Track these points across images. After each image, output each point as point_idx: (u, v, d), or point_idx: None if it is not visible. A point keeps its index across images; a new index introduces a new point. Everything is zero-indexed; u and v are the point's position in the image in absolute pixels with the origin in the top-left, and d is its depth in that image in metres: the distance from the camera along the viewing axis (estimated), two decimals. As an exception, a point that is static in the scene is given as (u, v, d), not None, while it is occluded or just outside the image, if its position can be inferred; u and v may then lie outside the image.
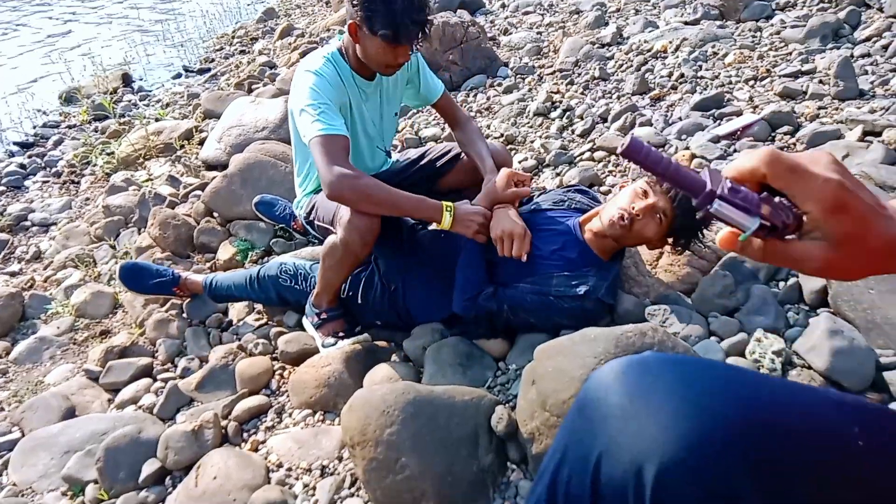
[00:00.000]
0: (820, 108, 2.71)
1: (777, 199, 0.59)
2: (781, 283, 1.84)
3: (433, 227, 2.03)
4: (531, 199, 2.19)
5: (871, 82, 2.82)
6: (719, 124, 2.78)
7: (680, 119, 2.93)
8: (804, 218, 0.58)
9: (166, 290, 2.41)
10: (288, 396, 1.98)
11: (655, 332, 1.39)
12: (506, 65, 4.07)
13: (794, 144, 2.54)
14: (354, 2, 1.86)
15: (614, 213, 1.75)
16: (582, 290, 1.75)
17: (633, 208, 1.74)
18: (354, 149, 2.14)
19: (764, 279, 1.83)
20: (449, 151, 2.33)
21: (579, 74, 3.70)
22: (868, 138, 2.39)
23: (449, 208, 1.83)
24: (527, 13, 4.94)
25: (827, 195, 0.55)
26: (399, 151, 3.27)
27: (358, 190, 1.77)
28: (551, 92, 3.51)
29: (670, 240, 1.85)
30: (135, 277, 2.38)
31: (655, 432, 0.60)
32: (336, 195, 1.79)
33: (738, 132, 2.66)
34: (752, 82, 3.09)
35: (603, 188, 2.63)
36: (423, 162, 2.35)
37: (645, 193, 1.77)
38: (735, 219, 0.58)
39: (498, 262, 1.89)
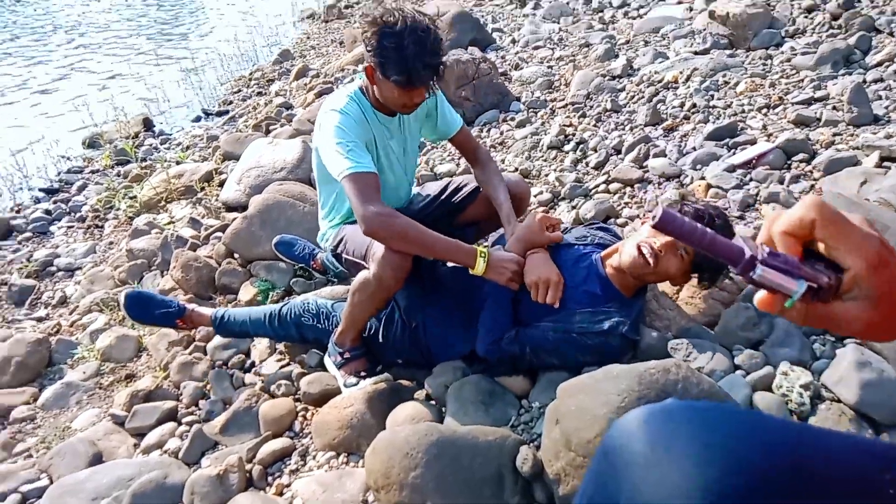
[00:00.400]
0: (835, 134, 2.71)
1: (813, 262, 0.58)
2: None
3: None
4: None
5: (886, 107, 2.83)
6: (734, 153, 2.79)
7: (694, 149, 2.94)
8: (843, 277, 0.57)
9: (170, 322, 2.40)
10: (311, 438, 1.98)
11: (679, 368, 1.38)
12: (518, 99, 4.12)
13: (811, 172, 2.54)
14: (368, 48, 1.91)
15: (636, 249, 1.75)
16: (606, 325, 1.75)
17: (655, 244, 1.74)
18: (382, 184, 2.16)
19: (786, 310, 1.82)
20: (467, 185, 2.35)
21: (591, 107, 3.73)
22: (885, 164, 2.39)
23: (483, 254, 1.84)
24: (537, 48, 5.01)
25: (870, 250, 0.55)
26: (417, 186, 3.31)
27: (394, 229, 1.80)
28: (564, 125, 3.55)
29: (695, 276, 1.85)
30: (139, 307, 2.37)
31: (678, 479, 0.60)
32: (372, 232, 1.82)
33: (754, 161, 2.67)
34: (765, 110, 3.11)
35: (619, 220, 2.64)
36: (443, 197, 2.38)
37: (671, 245, 1.76)
38: (780, 283, 0.57)
39: (521, 300, 1.90)
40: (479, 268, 1.84)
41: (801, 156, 2.62)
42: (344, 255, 2.17)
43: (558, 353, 1.79)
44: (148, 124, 5.88)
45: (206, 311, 2.43)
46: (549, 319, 1.81)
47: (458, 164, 3.46)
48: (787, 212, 0.60)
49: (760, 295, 0.60)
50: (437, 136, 2.33)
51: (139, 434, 2.23)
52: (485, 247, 1.89)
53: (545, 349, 1.79)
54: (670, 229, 0.58)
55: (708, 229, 0.59)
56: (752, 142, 2.83)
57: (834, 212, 0.57)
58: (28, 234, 4.11)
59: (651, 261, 1.72)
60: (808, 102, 3.05)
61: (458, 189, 2.36)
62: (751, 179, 2.59)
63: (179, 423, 2.22)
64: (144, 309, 2.38)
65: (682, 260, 1.74)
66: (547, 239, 1.93)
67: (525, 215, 2.36)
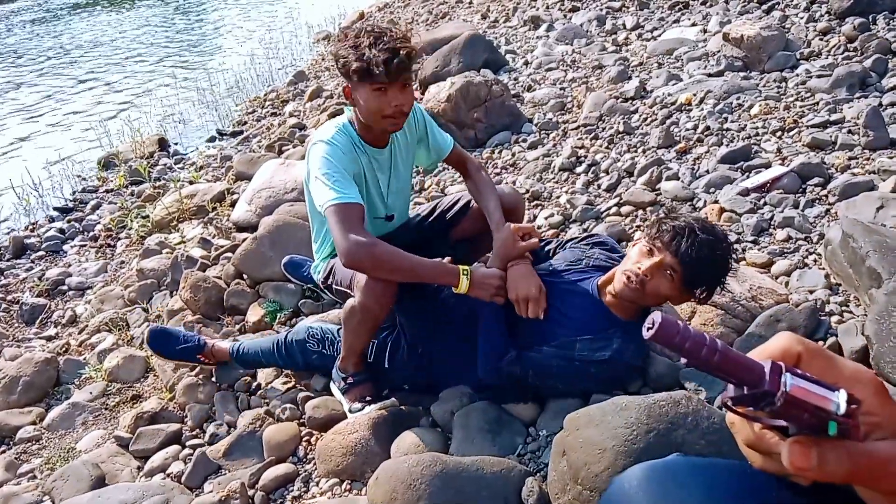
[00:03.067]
0: (851, 158, 2.67)
1: None
2: (821, 343, 1.78)
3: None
4: (547, 254, 2.17)
5: (903, 131, 2.78)
6: (748, 177, 2.75)
7: (707, 172, 2.91)
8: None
9: (191, 357, 2.41)
10: (315, 464, 1.95)
11: (689, 400, 1.34)
12: (530, 121, 4.11)
13: (827, 196, 2.50)
14: (338, 66, 1.93)
15: (622, 277, 1.72)
16: (607, 354, 1.71)
17: (640, 268, 1.69)
18: (369, 215, 2.15)
19: (801, 339, 1.77)
20: (458, 201, 2.33)
21: (603, 129, 3.71)
22: (903, 189, 2.34)
23: (465, 272, 1.83)
24: (549, 70, 5.01)
25: (870, 376, 0.49)
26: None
27: (374, 258, 1.78)
28: (576, 147, 3.53)
29: (697, 291, 1.78)
30: (162, 342, 2.39)
31: None
32: (353, 263, 1.80)
33: (768, 185, 2.63)
34: (779, 133, 3.07)
35: (631, 243, 2.60)
36: (434, 215, 2.36)
37: (650, 252, 1.71)
38: (818, 394, 0.45)
39: (520, 325, 1.87)
40: (463, 286, 1.82)
41: (816, 180, 2.58)
42: (334, 286, 2.17)
43: (562, 379, 1.76)
44: (163, 144, 5.94)
45: (225, 344, 2.43)
46: (551, 346, 1.78)
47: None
48: (765, 344, 0.52)
49: (788, 449, 0.47)
50: (433, 160, 2.32)
51: (143, 456, 2.21)
52: (467, 266, 1.87)
53: (549, 374, 1.76)
54: (671, 342, 0.48)
55: (718, 341, 0.48)
56: (767, 165, 2.79)
57: (817, 345, 0.50)
58: (41, 253, 4.15)
59: (637, 287, 1.68)
60: (823, 126, 3.01)
61: (450, 205, 2.34)
62: (765, 204, 2.55)
63: (183, 447, 2.20)
64: (166, 345, 2.39)
65: (671, 280, 1.68)
66: (522, 248, 1.91)
67: None
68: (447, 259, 2.12)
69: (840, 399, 0.45)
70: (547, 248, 2.21)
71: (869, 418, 0.47)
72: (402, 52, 1.83)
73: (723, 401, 0.50)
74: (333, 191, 1.85)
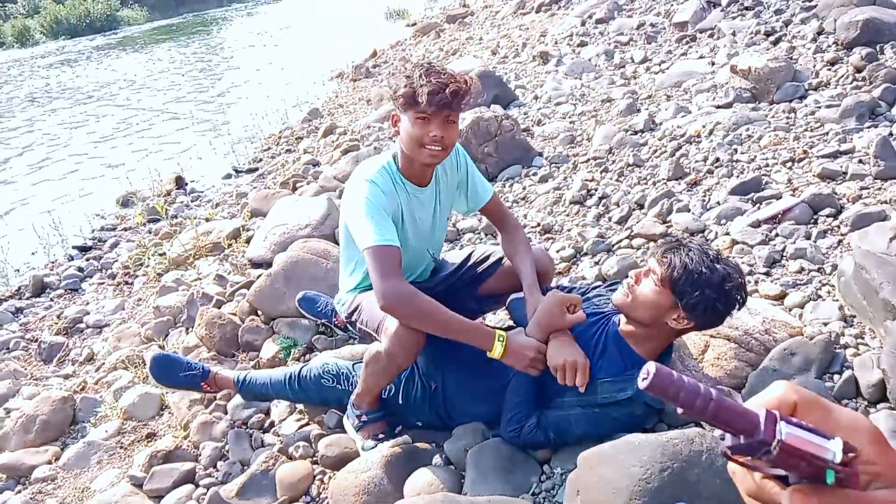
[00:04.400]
0: (862, 188, 2.66)
1: None
2: (836, 376, 1.76)
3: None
4: None
5: (914, 160, 2.77)
6: (759, 208, 2.75)
7: (718, 204, 2.91)
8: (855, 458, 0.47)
9: (195, 385, 2.40)
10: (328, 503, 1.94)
11: (703, 438, 1.33)
12: (540, 154, 4.15)
13: (839, 227, 2.49)
14: (390, 92, 1.98)
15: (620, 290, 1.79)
16: (629, 392, 1.71)
17: (631, 281, 1.75)
18: (404, 253, 2.15)
19: (816, 373, 1.76)
20: (490, 256, 2.33)
21: (613, 162, 3.74)
22: (916, 219, 2.33)
23: (501, 338, 1.80)
24: (559, 104, 5.07)
25: (868, 425, 0.49)
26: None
27: (412, 308, 1.79)
28: (586, 180, 3.55)
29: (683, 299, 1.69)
30: (164, 370, 2.38)
31: None
32: (390, 309, 1.81)
33: (779, 216, 2.63)
34: (789, 164, 3.07)
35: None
36: (465, 268, 2.35)
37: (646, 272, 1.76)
38: (814, 443, 0.45)
39: (545, 376, 1.85)
40: (497, 352, 1.80)
41: (827, 210, 2.58)
42: (358, 324, 2.17)
43: (583, 432, 1.76)
44: (180, 182, 6.05)
45: (230, 373, 2.43)
46: (572, 394, 1.77)
47: (479, 220, 3.47)
48: (761, 393, 0.52)
49: (792, 500, 0.47)
50: (470, 207, 2.30)
51: (157, 496, 2.21)
52: (503, 330, 1.85)
53: (569, 431, 1.77)
54: (666, 392, 0.48)
55: (713, 390, 0.48)
56: (777, 196, 2.79)
57: (813, 394, 0.50)
58: (60, 291, 4.21)
59: (628, 293, 1.72)
60: (833, 156, 3.01)
61: (481, 259, 2.33)
62: (776, 235, 2.54)
63: (197, 486, 2.20)
64: (169, 372, 2.39)
65: (656, 285, 1.69)
66: (568, 322, 1.86)
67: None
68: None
69: (836, 447, 0.45)
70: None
71: (868, 467, 0.47)
72: (450, 85, 1.86)
73: (721, 451, 0.50)
74: (373, 232, 1.85)
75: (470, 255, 2.36)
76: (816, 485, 0.46)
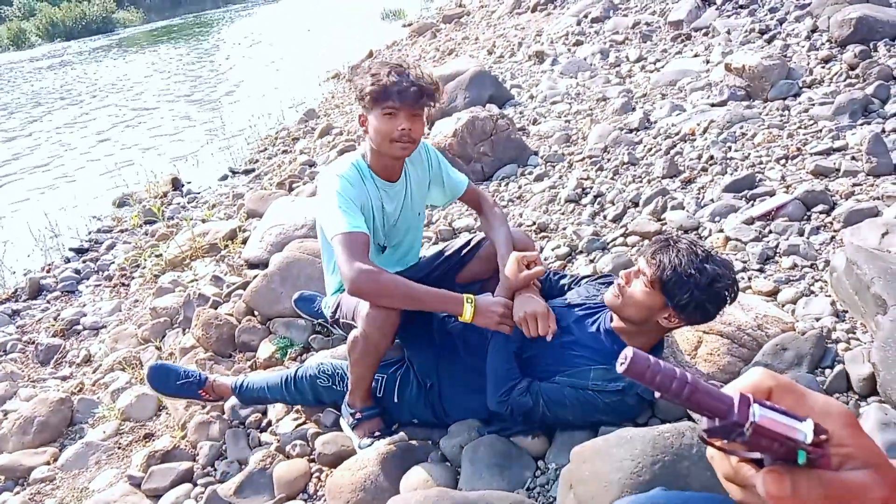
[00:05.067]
0: (854, 185, 2.68)
1: None
2: (828, 371, 1.78)
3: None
4: (562, 289, 2.19)
5: (906, 156, 2.79)
6: (752, 205, 2.77)
7: (712, 201, 2.93)
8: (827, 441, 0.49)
9: (192, 393, 2.39)
10: (325, 501, 1.95)
11: (694, 431, 1.34)
12: (536, 153, 4.16)
13: (831, 223, 2.51)
14: (355, 93, 2.01)
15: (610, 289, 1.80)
16: (621, 384, 1.72)
17: (622, 281, 1.76)
18: (376, 248, 2.18)
19: (808, 368, 1.77)
20: (471, 240, 2.37)
21: (608, 160, 3.75)
22: (907, 215, 2.34)
23: (470, 300, 1.84)
24: (555, 103, 5.08)
25: (840, 409, 0.50)
26: (433, 243, 3.34)
27: (378, 285, 1.81)
28: (581, 178, 3.56)
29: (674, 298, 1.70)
30: (161, 379, 2.37)
31: None
32: (356, 290, 1.83)
33: (773, 213, 2.64)
34: (783, 161, 3.09)
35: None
36: (447, 254, 2.39)
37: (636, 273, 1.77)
38: (785, 424, 0.47)
39: (532, 356, 1.88)
40: (467, 314, 1.82)
41: (820, 207, 2.59)
42: (341, 320, 2.19)
43: (574, 410, 1.76)
44: (176, 184, 6.06)
45: (227, 380, 2.43)
46: (563, 375, 1.78)
47: (475, 220, 3.48)
48: (737, 380, 0.54)
49: (763, 480, 0.49)
50: (448, 199, 2.37)
51: (155, 496, 2.22)
52: (472, 293, 1.88)
53: (561, 403, 1.76)
54: (643, 376, 0.49)
55: (689, 374, 0.49)
56: (771, 193, 2.81)
57: (788, 380, 0.52)
58: (57, 293, 4.22)
59: (618, 294, 1.74)
60: (826, 153, 3.02)
61: (463, 245, 2.37)
62: (770, 232, 2.56)
63: (195, 485, 2.21)
64: (166, 381, 2.38)
65: (646, 285, 1.70)
66: (528, 276, 1.92)
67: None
68: None
69: (807, 429, 0.47)
70: (561, 283, 2.23)
71: (840, 450, 0.49)
72: (417, 81, 1.92)
73: (698, 434, 0.52)
74: (341, 220, 1.89)
75: (449, 245, 2.40)
76: (789, 466, 0.48)
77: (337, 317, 2.22)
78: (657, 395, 0.50)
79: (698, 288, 1.63)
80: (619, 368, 0.50)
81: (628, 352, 0.50)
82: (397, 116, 1.93)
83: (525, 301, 1.87)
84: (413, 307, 1.89)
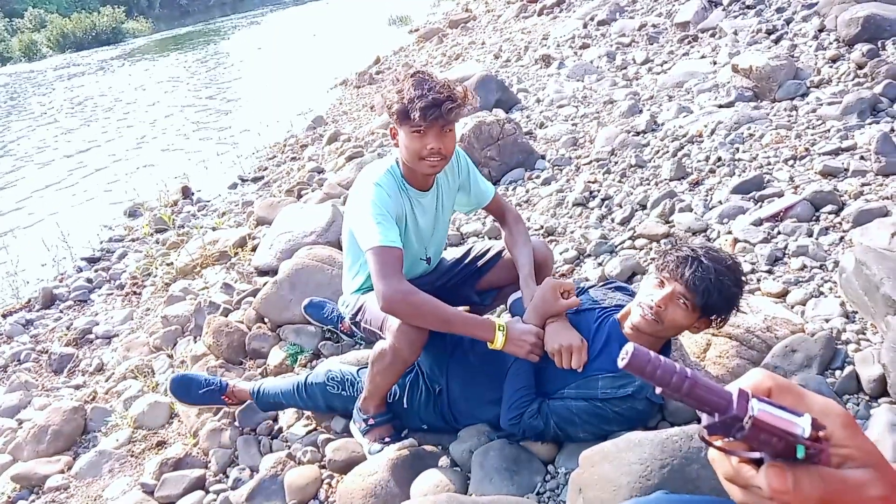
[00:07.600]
0: (863, 185, 2.67)
1: None
2: (838, 372, 1.77)
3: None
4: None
5: (916, 155, 2.77)
6: (760, 206, 2.76)
7: (720, 203, 2.92)
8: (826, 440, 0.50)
9: (216, 399, 2.45)
10: (336, 507, 1.96)
11: (703, 434, 1.34)
12: (543, 157, 4.17)
13: (840, 223, 2.50)
14: (385, 106, 2.00)
15: (638, 311, 1.74)
16: (630, 389, 1.72)
17: (653, 300, 1.70)
18: (407, 255, 2.17)
19: (818, 369, 1.76)
20: (490, 250, 2.37)
21: (616, 163, 3.75)
22: (917, 214, 2.33)
23: (501, 328, 1.83)
24: (561, 106, 5.08)
25: (839, 410, 0.51)
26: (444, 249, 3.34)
27: (411, 307, 1.82)
28: (589, 182, 3.57)
29: (714, 317, 1.75)
30: (184, 389, 2.43)
31: None
32: (389, 309, 1.84)
33: (781, 214, 2.63)
34: (791, 162, 3.08)
35: (645, 277, 2.61)
36: (465, 261, 2.39)
37: (661, 283, 1.72)
38: (784, 418, 0.48)
39: (542, 368, 1.87)
40: (499, 342, 1.82)
41: (829, 207, 2.58)
42: (362, 324, 2.19)
43: (584, 426, 1.76)
44: (186, 192, 6.10)
45: (245, 385, 2.47)
46: (572, 387, 1.78)
47: (483, 224, 3.49)
48: (737, 380, 0.54)
49: (763, 477, 0.49)
50: (473, 206, 2.36)
51: (168, 503, 2.23)
52: (503, 320, 1.87)
53: (570, 422, 1.77)
54: (643, 371, 0.51)
55: (689, 370, 0.51)
56: (779, 194, 2.80)
57: (787, 381, 0.53)
58: (70, 303, 4.26)
59: (654, 319, 1.69)
60: (835, 153, 3.01)
61: (482, 253, 2.37)
62: (778, 233, 2.55)
63: (207, 492, 2.23)
64: (189, 390, 2.43)
65: (686, 308, 1.68)
66: (563, 306, 1.89)
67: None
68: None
69: (804, 423, 0.48)
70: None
71: (839, 450, 0.49)
72: (440, 98, 1.87)
73: (699, 434, 0.52)
74: (376, 233, 1.89)
75: (470, 250, 2.40)
76: (789, 462, 0.49)
77: (358, 319, 2.23)
78: (658, 390, 0.51)
79: (737, 297, 1.71)
80: (620, 363, 0.51)
81: (629, 347, 0.51)
82: (426, 135, 1.91)
83: (559, 331, 1.85)
84: (444, 330, 1.89)
